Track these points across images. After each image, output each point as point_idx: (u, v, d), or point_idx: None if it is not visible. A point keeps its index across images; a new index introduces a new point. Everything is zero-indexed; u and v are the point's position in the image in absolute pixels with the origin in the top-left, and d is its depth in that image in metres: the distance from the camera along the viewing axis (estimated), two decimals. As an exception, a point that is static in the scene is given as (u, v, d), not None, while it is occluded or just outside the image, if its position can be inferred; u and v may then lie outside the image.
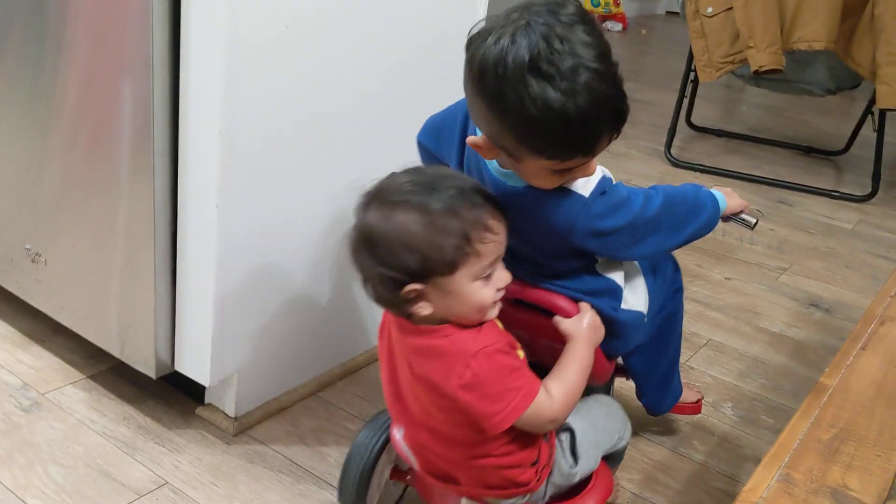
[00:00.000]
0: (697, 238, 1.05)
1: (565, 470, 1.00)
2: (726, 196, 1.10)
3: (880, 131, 2.79)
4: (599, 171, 0.95)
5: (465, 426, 0.89)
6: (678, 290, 1.22)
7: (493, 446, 0.92)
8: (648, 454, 1.37)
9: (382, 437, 1.06)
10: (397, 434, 1.02)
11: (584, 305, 0.99)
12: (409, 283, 0.84)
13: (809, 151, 3.26)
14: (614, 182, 0.97)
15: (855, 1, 2.56)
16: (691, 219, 1.03)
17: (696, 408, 1.39)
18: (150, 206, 1.16)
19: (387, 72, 1.31)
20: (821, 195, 2.79)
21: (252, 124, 1.12)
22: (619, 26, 5.66)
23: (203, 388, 1.31)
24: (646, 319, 1.09)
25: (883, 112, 2.72)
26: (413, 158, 1.08)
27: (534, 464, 0.95)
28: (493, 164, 0.95)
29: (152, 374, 1.27)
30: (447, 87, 1.04)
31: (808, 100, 3.59)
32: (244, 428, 1.30)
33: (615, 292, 1.04)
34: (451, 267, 0.84)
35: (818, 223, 2.55)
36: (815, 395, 0.74)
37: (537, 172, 0.89)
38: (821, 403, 0.73)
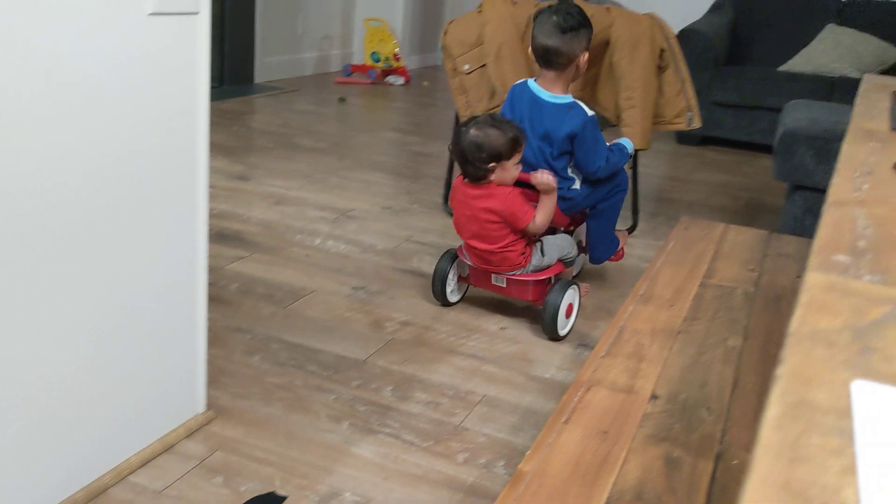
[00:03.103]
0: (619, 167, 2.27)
1: (538, 258, 2.10)
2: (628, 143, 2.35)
3: (634, 168, 3.00)
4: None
5: (506, 230, 2.03)
6: (623, 190, 2.31)
7: (510, 243, 2.05)
8: (420, 532, 1.34)
9: (450, 257, 2.20)
10: (462, 251, 2.16)
11: (540, 173, 2.04)
12: (492, 163, 1.98)
13: (578, 190, 3.45)
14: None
15: (595, 52, 2.75)
16: (621, 159, 2.25)
17: (620, 253, 2.44)
18: None
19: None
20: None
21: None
22: (401, 80, 5.78)
23: None
24: (580, 199, 2.22)
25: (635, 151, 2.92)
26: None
27: (522, 253, 2.08)
28: (541, 95, 2.17)
29: None
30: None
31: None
32: (-41, 586, 1.14)
33: (571, 181, 2.20)
34: (508, 156, 1.99)
35: (585, 260, 2.68)
36: (511, 487, 0.73)
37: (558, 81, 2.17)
38: (516, 495, 0.72)
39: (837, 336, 0.36)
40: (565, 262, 2.18)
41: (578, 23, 2.09)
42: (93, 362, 1.32)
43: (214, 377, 1.75)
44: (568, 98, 2.15)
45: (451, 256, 2.20)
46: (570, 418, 0.86)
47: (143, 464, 1.44)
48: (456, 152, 2.03)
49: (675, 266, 1.29)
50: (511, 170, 2.02)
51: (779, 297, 1.21)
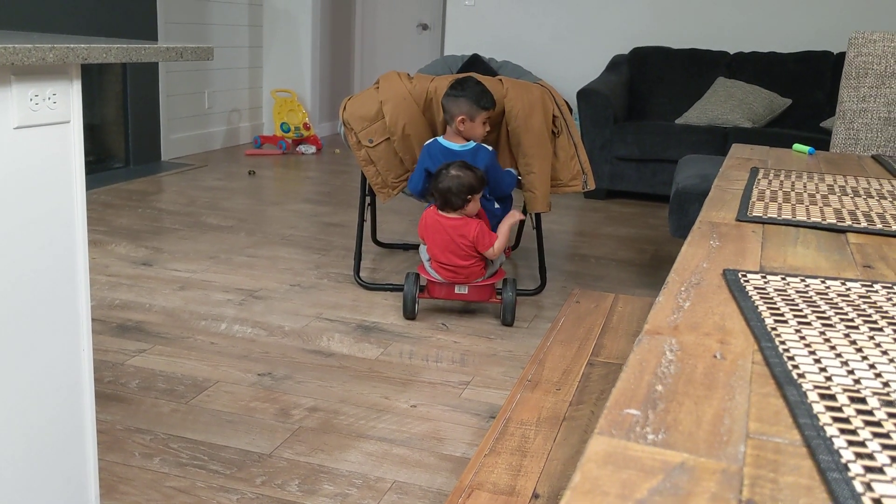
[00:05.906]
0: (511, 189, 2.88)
1: (491, 267, 2.73)
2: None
3: (538, 230, 3.05)
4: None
5: (473, 250, 2.63)
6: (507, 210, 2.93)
7: (478, 259, 2.66)
8: None
9: (414, 280, 2.68)
10: (427, 269, 2.73)
11: (511, 214, 2.78)
12: (469, 195, 2.60)
13: (488, 254, 3.49)
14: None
15: (493, 120, 2.81)
16: (510, 184, 2.83)
17: (507, 251, 2.98)
18: None
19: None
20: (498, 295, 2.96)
21: None
22: (312, 149, 5.79)
23: None
24: (500, 213, 2.84)
25: (538, 213, 2.98)
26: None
27: (485, 267, 2.69)
28: (451, 146, 2.73)
29: None
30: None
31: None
32: None
33: (493, 201, 2.82)
34: (478, 190, 2.62)
35: (496, 328, 2.70)
36: None
37: (476, 128, 2.71)
38: None
39: (593, 530, 0.37)
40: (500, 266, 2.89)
41: (460, 91, 2.68)
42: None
43: (112, 486, 1.67)
44: (471, 144, 2.73)
45: (414, 278, 2.69)
46: (449, 529, 0.85)
47: (30, 592, 1.36)
48: (440, 189, 2.60)
49: (565, 345, 1.31)
50: (477, 201, 2.63)
51: (666, 367, 1.24)
